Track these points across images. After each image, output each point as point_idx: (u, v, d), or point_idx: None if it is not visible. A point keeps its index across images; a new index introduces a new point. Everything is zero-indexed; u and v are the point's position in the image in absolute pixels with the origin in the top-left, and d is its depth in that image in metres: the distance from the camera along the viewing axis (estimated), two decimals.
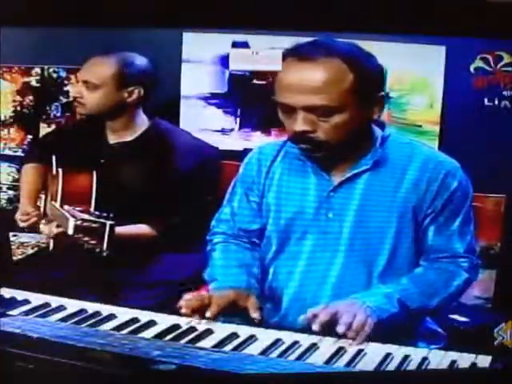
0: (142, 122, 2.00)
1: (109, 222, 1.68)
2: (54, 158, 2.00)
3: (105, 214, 1.72)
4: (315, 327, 1.42)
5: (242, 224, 1.69)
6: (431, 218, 1.57)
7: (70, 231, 1.69)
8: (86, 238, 1.68)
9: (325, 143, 1.50)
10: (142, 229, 1.92)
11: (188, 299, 1.53)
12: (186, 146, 1.97)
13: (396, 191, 1.56)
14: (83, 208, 1.82)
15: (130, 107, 1.95)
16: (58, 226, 1.85)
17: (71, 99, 2.00)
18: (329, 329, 1.42)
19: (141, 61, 1.95)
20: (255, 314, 1.50)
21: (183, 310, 1.51)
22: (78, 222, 1.68)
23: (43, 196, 2.07)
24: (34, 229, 2.04)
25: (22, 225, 2.04)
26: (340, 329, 1.40)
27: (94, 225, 1.68)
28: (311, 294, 1.59)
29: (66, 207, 1.82)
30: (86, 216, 1.72)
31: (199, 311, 1.50)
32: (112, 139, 2.00)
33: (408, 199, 1.56)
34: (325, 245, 1.59)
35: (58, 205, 1.89)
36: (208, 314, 1.49)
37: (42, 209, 2.05)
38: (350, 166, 1.57)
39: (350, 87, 1.46)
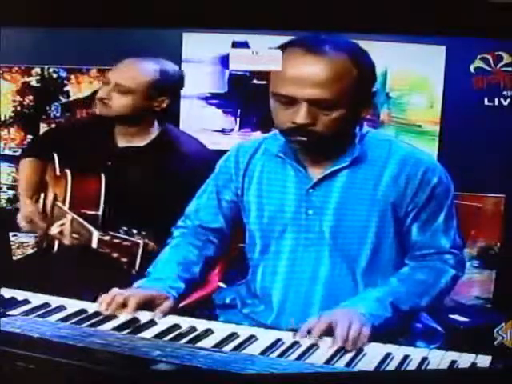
0: (155, 128, 1.98)
1: (142, 241, 1.63)
2: (56, 156, 1.99)
3: (135, 231, 1.68)
4: (311, 341, 1.42)
5: (203, 221, 1.70)
6: (414, 214, 1.57)
7: (94, 244, 1.66)
8: (115, 255, 1.64)
9: (321, 136, 1.50)
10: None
11: (105, 298, 1.53)
12: (195, 155, 1.94)
13: (375, 188, 1.56)
14: (92, 212, 1.80)
15: (152, 116, 1.93)
16: (62, 225, 1.84)
17: (97, 99, 1.92)
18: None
19: (175, 70, 1.93)
20: (156, 316, 1.50)
21: (101, 307, 1.51)
22: (106, 238, 1.64)
23: (42, 195, 2.06)
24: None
25: (24, 228, 2.03)
26: (337, 342, 1.40)
27: (125, 243, 1.63)
28: (302, 295, 1.60)
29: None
30: (114, 233, 1.66)
31: (117, 309, 1.52)
32: (122, 143, 1.97)
33: (387, 196, 1.56)
34: (306, 243, 1.59)
35: (67, 207, 1.86)
36: (123, 313, 1.50)
37: (40, 205, 2.04)
38: (328, 163, 1.58)
39: (354, 81, 1.47)
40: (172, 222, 1.79)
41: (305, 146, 1.55)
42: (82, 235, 1.78)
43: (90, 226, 1.72)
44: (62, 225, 1.87)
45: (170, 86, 1.92)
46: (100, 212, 1.86)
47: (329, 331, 1.42)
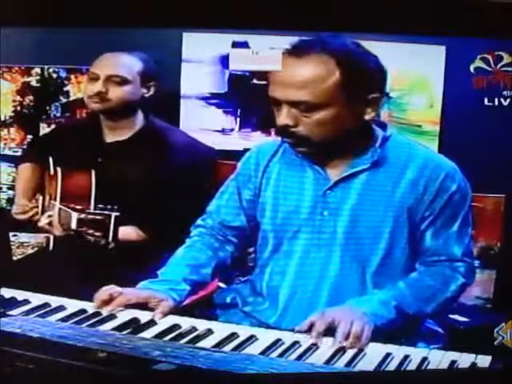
0: (140, 120, 2.01)
1: (114, 214, 1.67)
2: (50, 158, 2.01)
3: (109, 207, 1.72)
4: (312, 337, 1.41)
5: (225, 219, 1.70)
6: (429, 220, 1.56)
7: (74, 225, 1.69)
8: (91, 231, 1.67)
9: (307, 138, 1.50)
10: (131, 233, 1.92)
11: (101, 292, 1.54)
12: (180, 145, 1.97)
13: (393, 191, 1.55)
14: (83, 207, 1.81)
15: (140, 104, 1.97)
16: (50, 216, 1.86)
17: (92, 95, 1.94)
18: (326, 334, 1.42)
19: (150, 58, 1.98)
20: (155, 317, 1.50)
21: (95, 303, 1.53)
22: (82, 216, 1.67)
23: (41, 197, 2.07)
24: (32, 227, 2.04)
25: (18, 217, 2.04)
26: (338, 338, 1.40)
27: (98, 217, 1.67)
28: (309, 295, 1.59)
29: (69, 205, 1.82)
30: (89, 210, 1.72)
31: (102, 304, 1.53)
32: (109, 138, 2.01)
33: (404, 200, 1.55)
34: (319, 244, 1.58)
35: (58, 203, 1.89)
36: (108, 308, 1.52)
37: (39, 208, 2.05)
38: (347, 165, 1.57)
39: (335, 84, 1.46)
40: (162, 214, 1.84)
41: (295, 148, 1.55)
42: (67, 222, 1.80)
43: (69, 210, 1.74)
44: (50, 216, 1.90)
45: (153, 72, 1.97)
46: (91, 207, 1.87)
47: (330, 328, 1.42)
